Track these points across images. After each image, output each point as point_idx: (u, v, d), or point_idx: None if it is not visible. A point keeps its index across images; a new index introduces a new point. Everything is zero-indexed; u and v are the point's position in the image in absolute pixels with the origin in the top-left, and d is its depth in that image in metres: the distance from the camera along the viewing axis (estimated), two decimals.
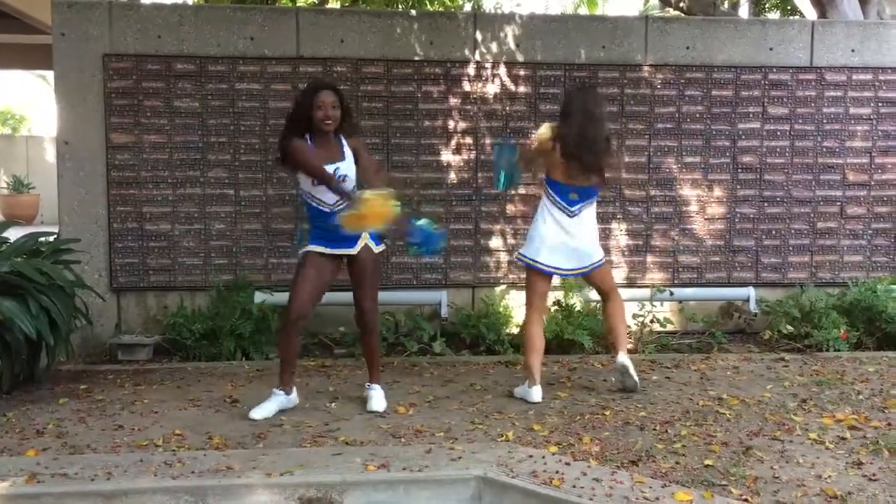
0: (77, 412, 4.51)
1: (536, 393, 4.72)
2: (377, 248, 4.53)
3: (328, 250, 4.43)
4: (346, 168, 4.40)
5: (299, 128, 4.40)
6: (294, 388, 4.58)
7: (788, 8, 12.70)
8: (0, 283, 4.77)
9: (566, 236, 4.77)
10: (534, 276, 4.88)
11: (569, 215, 4.77)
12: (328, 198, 4.38)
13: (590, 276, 4.97)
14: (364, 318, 4.60)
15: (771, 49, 6.60)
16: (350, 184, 4.38)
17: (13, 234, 5.42)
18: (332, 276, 4.53)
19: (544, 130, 4.79)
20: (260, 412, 4.37)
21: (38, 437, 4.10)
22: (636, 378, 4.87)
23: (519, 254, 4.98)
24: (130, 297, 6.22)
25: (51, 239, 5.53)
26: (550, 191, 4.83)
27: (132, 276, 6.18)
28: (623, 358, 4.85)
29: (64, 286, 4.99)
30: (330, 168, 4.33)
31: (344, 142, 4.48)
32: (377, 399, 4.58)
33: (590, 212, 4.85)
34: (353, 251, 4.44)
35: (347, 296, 6.23)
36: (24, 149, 18.50)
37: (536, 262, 4.80)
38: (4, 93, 24.68)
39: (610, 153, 4.77)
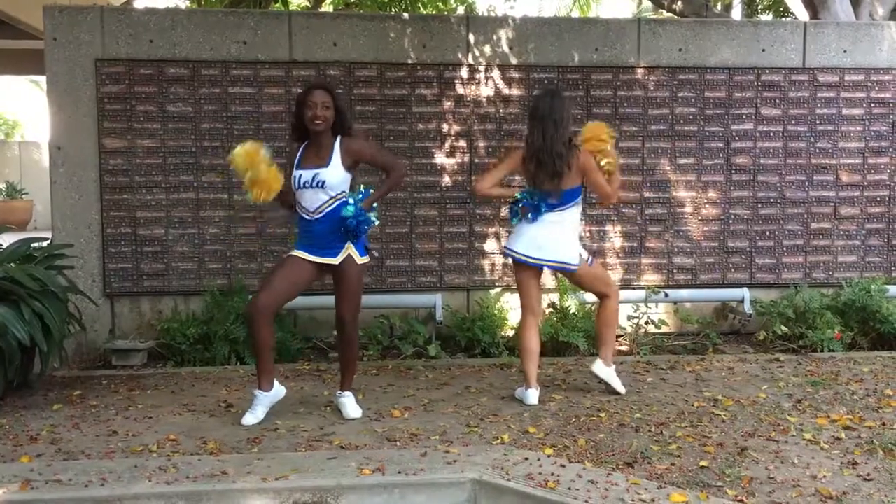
0: (71, 418, 4.50)
1: (532, 396, 4.73)
2: (361, 259, 4.44)
3: (311, 257, 4.37)
4: (327, 174, 4.30)
5: (299, 130, 4.40)
6: (275, 382, 4.47)
7: (781, 9, 12.76)
8: None
9: (541, 229, 4.75)
10: (518, 272, 4.89)
11: (550, 211, 4.76)
12: (309, 204, 4.33)
13: (577, 281, 4.95)
14: (344, 329, 4.51)
15: (763, 50, 6.62)
16: (331, 190, 4.30)
17: (6, 240, 5.41)
18: (308, 282, 4.45)
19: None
20: (251, 418, 4.35)
21: (32, 443, 4.08)
22: (617, 388, 4.89)
23: (504, 246, 5.02)
24: (124, 303, 6.20)
25: (44, 244, 5.51)
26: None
27: (126, 282, 6.16)
28: (596, 366, 4.89)
29: (57, 292, 4.97)
30: (308, 173, 4.29)
31: (337, 145, 4.38)
32: (352, 406, 4.53)
33: (569, 214, 4.81)
34: (335, 261, 4.37)
35: None
36: (17, 154, 18.47)
37: (514, 251, 4.80)
38: None
39: (571, 157, 4.66)
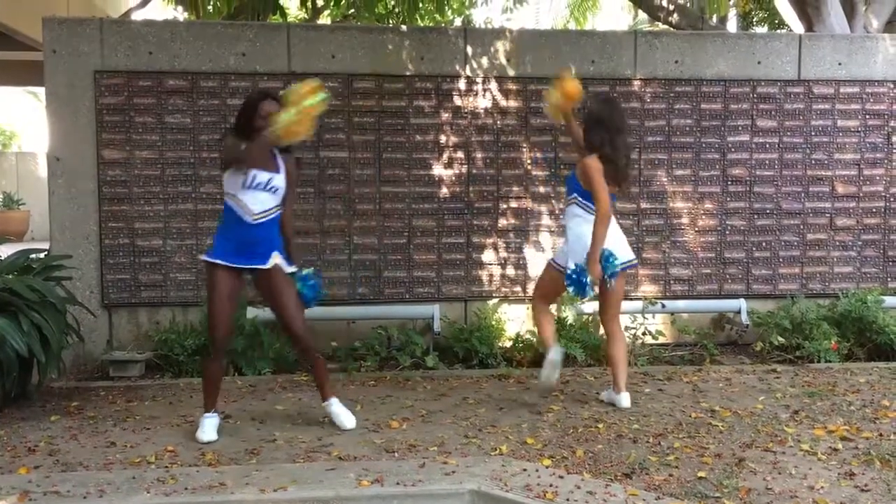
0: (69, 429, 4.49)
1: (554, 351, 4.73)
2: (288, 269, 4.38)
3: (234, 264, 4.25)
4: (280, 181, 4.29)
5: (241, 135, 4.26)
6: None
7: (776, 22, 12.84)
8: None
9: (618, 231, 4.85)
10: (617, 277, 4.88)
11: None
12: (255, 206, 4.23)
13: (610, 298, 4.89)
14: (300, 343, 4.42)
15: (759, 62, 6.66)
16: (278, 198, 4.29)
17: (4, 251, 5.41)
18: (240, 291, 4.41)
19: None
20: (205, 435, 4.27)
21: (30, 454, 4.07)
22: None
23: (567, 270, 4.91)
24: (122, 314, 6.21)
25: (42, 255, 5.52)
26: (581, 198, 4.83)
27: (124, 293, 6.17)
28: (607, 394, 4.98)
29: (55, 303, 4.97)
30: (264, 176, 4.24)
31: (279, 157, 4.34)
32: (345, 414, 4.47)
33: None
34: (266, 266, 4.28)
35: (340, 310, 6.30)
36: (14, 165, 18.48)
37: (628, 260, 4.83)
38: None
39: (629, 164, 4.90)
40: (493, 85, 6.45)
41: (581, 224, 4.76)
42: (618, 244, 4.78)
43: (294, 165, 4.49)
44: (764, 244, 6.71)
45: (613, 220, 4.78)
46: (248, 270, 4.33)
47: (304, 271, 4.51)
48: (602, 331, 5.25)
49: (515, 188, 6.49)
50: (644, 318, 6.33)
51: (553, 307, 5.17)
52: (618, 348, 4.91)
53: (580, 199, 4.78)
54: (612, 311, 4.94)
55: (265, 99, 4.27)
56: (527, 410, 4.82)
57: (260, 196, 4.25)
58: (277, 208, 4.33)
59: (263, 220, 4.26)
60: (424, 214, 6.43)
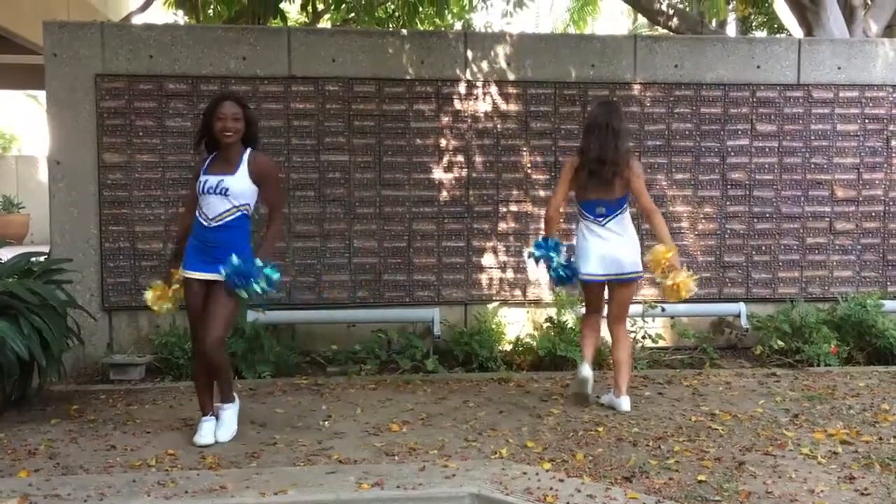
0: (69, 432, 4.49)
1: (584, 368, 4.84)
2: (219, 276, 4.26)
3: (197, 274, 4.29)
4: (232, 182, 4.26)
5: (208, 142, 4.40)
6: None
7: (775, 26, 12.86)
8: None
9: (605, 243, 4.84)
10: (585, 288, 5.01)
11: (601, 224, 4.86)
12: (210, 211, 4.28)
13: (615, 289, 4.96)
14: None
15: (758, 67, 6.67)
16: (234, 199, 4.26)
17: (4, 255, 5.42)
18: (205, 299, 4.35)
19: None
20: (202, 439, 4.27)
21: (31, 457, 4.08)
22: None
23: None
24: (122, 317, 6.21)
25: (42, 259, 5.52)
26: (581, 209, 4.96)
27: (124, 296, 6.17)
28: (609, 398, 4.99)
29: (56, 306, 4.97)
30: (214, 179, 4.27)
31: (246, 157, 4.35)
32: (225, 422, 4.40)
33: (622, 220, 4.90)
34: (219, 277, 4.22)
35: (340, 313, 6.31)
36: (15, 168, 18.48)
37: (586, 274, 4.89)
38: None
39: (627, 164, 4.82)
40: (494, 89, 6.45)
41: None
42: (587, 256, 4.86)
43: (264, 160, 4.44)
44: (763, 248, 6.72)
45: (601, 232, 4.85)
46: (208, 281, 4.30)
47: (265, 267, 4.25)
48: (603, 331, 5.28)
49: (515, 192, 6.50)
50: (644, 321, 6.33)
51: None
52: (620, 351, 4.94)
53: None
54: (616, 314, 4.98)
55: (221, 101, 4.35)
56: (527, 414, 4.82)
57: (209, 199, 4.29)
58: (236, 210, 4.29)
59: (220, 223, 4.28)
60: (425, 218, 6.43)
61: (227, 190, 4.27)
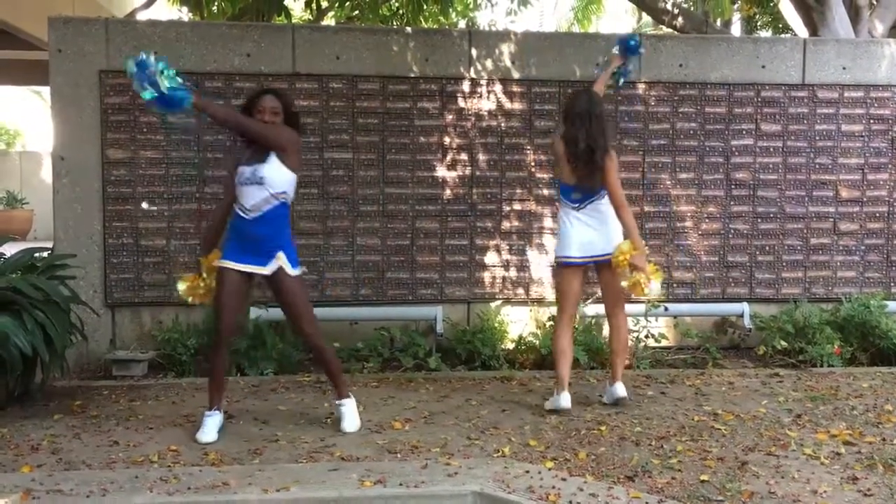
0: (72, 428, 4.50)
1: (565, 399, 4.74)
2: (293, 272, 4.36)
3: (238, 266, 4.31)
4: (266, 169, 4.25)
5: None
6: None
7: (780, 26, 12.84)
8: None
9: (588, 228, 4.83)
10: (563, 277, 4.92)
11: (577, 209, 4.85)
12: (246, 201, 4.28)
13: (602, 275, 4.93)
14: (309, 340, 4.49)
15: (763, 67, 6.65)
16: (270, 188, 4.25)
17: (8, 250, 5.42)
18: (248, 292, 4.45)
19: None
20: (205, 436, 4.28)
21: (33, 453, 4.08)
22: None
23: (555, 258, 5.04)
24: (125, 313, 6.21)
25: (46, 254, 5.52)
26: (560, 192, 4.99)
27: (127, 292, 6.17)
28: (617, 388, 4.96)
29: (59, 302, 4.98)
30: (248, 169, 4.27)
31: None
32: (349, 418, 4.49)
33: (598, 206, 4.86)
34: (266, 271, 4.32)
35: (342, 311, 6.31)
36: (18, 164, 18.51)
37: (569, 257, 4.85)
38: None
39: (608, 153, 4.77)
40: (498, 87, 6.45)
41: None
42: (568, 240, 4.85)
43: (289, 132, 4.38)
44: (767, 248, 6.71)
45: (585, 217, 4.84)
46: (255, 275, 4.37)
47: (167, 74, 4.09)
48: (603, 332, 5.28)
49: (519, 190, 6.49)
50: (647, 320, 6.33)
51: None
52: (619, 341, 4.97)
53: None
54: (613, 302, 4.98)
55: (262, 94, 4.37)
56: (529, 412, 4.82)
57: (246, 190, 4.29)
58: (274, 198, 4.29)
59: (258, 213, 4.28)
60: (428, 216, 6.43)
61: (262, 178, 4.26)
